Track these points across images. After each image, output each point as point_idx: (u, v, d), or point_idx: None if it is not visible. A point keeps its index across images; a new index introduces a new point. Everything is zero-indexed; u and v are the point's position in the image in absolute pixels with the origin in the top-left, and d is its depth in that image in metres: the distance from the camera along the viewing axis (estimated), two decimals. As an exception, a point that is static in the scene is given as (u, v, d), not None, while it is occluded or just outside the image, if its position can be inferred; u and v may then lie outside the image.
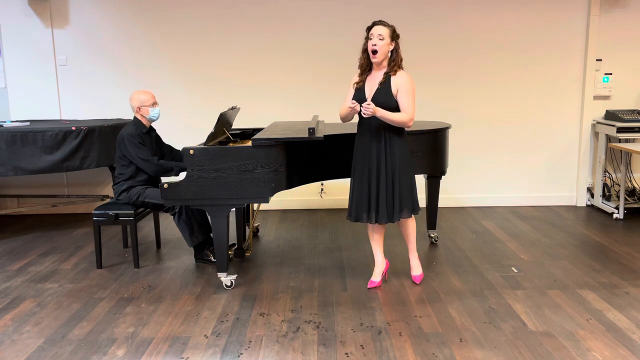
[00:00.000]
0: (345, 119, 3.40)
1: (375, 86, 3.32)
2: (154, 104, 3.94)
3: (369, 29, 3.29)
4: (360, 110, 3.18)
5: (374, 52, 3.25)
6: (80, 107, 5.47)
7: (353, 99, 3.36)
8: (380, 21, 3.29)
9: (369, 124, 3.35)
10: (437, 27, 5.39)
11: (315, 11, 5.36)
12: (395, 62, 3.30)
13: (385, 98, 3.27)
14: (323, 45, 5.41)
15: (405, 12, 5.32)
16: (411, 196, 3.42)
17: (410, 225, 3.60)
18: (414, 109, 3.30)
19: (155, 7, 5.33)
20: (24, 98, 5.42)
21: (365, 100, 3.30)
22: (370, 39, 3.26)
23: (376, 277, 3.59)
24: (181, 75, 5.46)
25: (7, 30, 5.32)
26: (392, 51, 3.30)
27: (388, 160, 3.34)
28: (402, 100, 3.27)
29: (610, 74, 5.49)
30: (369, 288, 3.55)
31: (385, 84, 3.29)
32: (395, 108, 3.28)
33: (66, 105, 5.47)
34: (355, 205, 3.43)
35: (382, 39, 3.23)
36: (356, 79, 3.42)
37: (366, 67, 3.37)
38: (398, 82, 3.27)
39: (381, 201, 3.37)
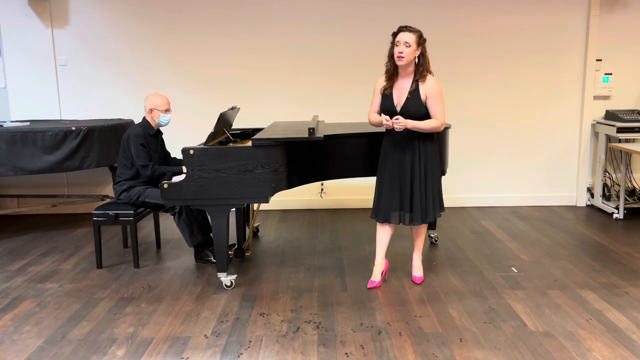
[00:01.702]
0: (375, 125, 3.48)
1: (404, 94, 3.32)
2: (167, 110, 3.94)
3: (394, 34, 3.28)
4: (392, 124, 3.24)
5: (400, 58, 3.24)
6: (80, 107, 5.47)
7: (381, 106, 3.40)
8: (406, 27, 3.27)
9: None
10: (436, 28, 5.38)
11: (315, 11, 5.36)
12: (423, 68, 3.29)
13: (415, 107, 3.29)
14: (323, 45, 5.41)
15: (404, 13, 5.32)
16: (439, 197, 3.50)
17: (425, 227, 3.65)
18: (444, 114, 3.32)
19: (155, 7, 5.33)
20: (24, 98, 5.42)
21: (394, 109, 3.33)
22: (397, 45, 3.25)
23: (376, 277, 3.59)
24: (181, 75, 5.45)
25: (7, 30, 5.32)
26: (418, 57, 3.29)
27: (421, 163, 3.37)
28: (432, 106, 3.29)
29: (610, 74, 5.49)
30: (368, 288, 3.55)
31: (414, 93, 3.29)
32: (426, 115, 3.31)
33: (66, 105, 5.47)
34: (384, 206, 3.46)
35: (409, 46, 3.22)
36: (382, 83, 3.41)
37: (393, 73, 3.36)
38: (426, 89, 3.28)
39: (415, 203, 3.40)
